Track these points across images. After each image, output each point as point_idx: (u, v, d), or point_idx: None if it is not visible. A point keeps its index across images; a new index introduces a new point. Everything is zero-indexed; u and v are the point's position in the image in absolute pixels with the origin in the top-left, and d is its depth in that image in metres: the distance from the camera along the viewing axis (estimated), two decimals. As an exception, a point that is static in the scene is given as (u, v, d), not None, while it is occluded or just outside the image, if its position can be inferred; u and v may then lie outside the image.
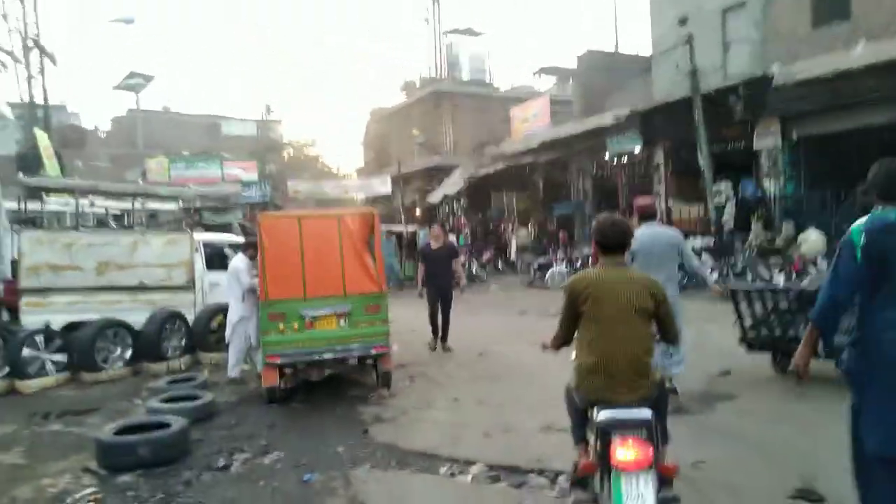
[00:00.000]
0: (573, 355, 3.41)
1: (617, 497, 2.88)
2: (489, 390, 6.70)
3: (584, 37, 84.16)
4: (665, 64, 18.71)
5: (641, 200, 6.10)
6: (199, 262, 9.19)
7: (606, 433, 2.98)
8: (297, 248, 6.29)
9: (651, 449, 2.91)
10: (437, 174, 29.29)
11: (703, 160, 15.67)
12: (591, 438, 3.21)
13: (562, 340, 3.46)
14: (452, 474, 4.50)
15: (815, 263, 12.76)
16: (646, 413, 3.01)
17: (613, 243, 3.33)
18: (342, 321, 6.38)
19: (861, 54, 13.36)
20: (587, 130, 20.94)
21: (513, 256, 21.45)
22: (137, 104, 22.81)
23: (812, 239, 13.33)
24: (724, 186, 15.77)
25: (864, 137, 14.22)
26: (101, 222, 10.81)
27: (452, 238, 19.20)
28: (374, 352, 6.47)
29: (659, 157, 19.96)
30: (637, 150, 20.03)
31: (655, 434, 2.98)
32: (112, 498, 4.27)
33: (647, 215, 5.83)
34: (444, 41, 35.68)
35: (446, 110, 33.42)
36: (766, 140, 16.02)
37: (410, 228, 20.72)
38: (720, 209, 15.96)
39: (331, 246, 6.40)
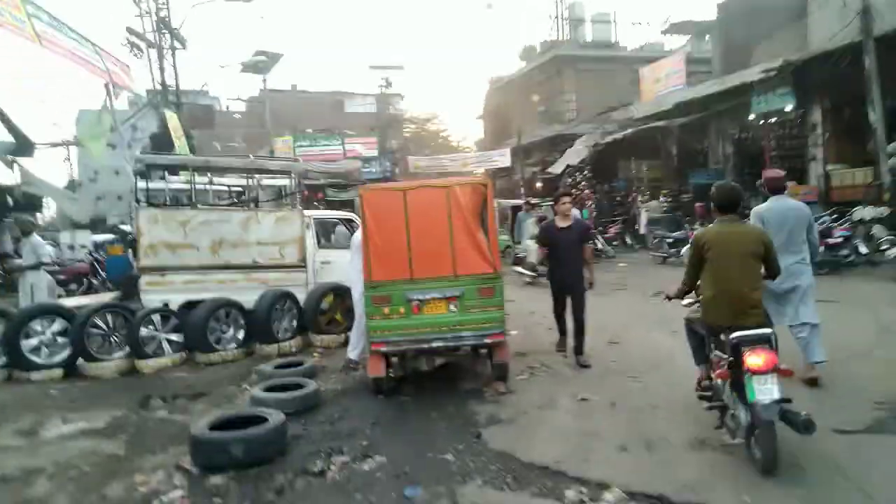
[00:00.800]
0: (688, 299, 4.68)
1: (752, 394, 3.77)
2: (623, 389, 5.76)
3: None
4: (825, 5, 16.17)
5: (770, 173, 6.00)
6: (311, 240, 8.88)
7: (739, 347, 3.91)
8: (402, 225, 5.64)
9: (774, 355, 3.84)
10: (559, 144, 27.86)
11: (876, 116, 13.31)
12: (718, 356, 4.26)
13: (687, 288, 4.58)
14: (583, 502, 3.68)
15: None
16: (767, 331, 3.99)
17: (728, 204, 4.38)
18: (452, 305, 5.68)
19: None
20: (730, 88, 18.74)
21: (642, 230, 19.83)
22: (265, 84, 23.47)
23: None
24: (901, 146, 13.33)
25: None
26: (219, 200, 10.87)
27: (576, 213, 18.03)
28: (487, 340, 5.72)
29: (816, 115, 17.45)
30: (789, 108, 17.63)
31: (775, 346, 3.95)
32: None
33: (777, 188, 5.72)
34: (565, 1, 33.76)
35: (569, 76, 31.74)
36: (958, 89, 13.35)
37: (533, 201, 19.67)
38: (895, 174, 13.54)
39: (439, 222, 5.69)
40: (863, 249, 12.22)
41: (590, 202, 21.10)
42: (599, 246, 18.98)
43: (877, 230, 12.73)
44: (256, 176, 9.46)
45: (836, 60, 14.71)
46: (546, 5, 59.18)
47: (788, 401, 3.79)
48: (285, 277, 8.33)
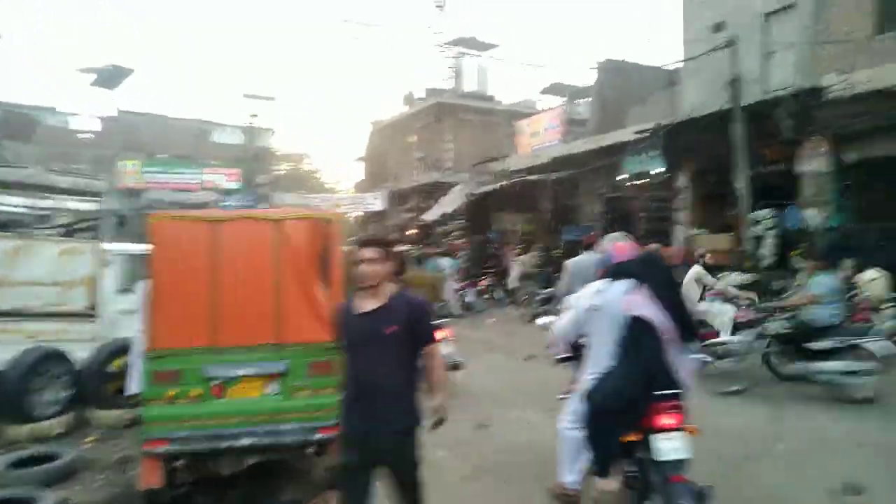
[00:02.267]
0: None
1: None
2: (496, 498, 4.39)
3: (595, 54, 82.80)
4: (695, 75, 16.67)
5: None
6: (109, 281, 6.86)
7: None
8: (205, 269, 4.04)
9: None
10: (435, 191, 27.16)
11: (742, 183, 13.49)
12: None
13: None
14: None
15: (877, 310, 10.52)
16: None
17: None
18: (272, 386, 4.11)
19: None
20: (603, 147, 18.83)
21: (512, 284, 19.16)
22: (113, 100, 20.70)
23: (872, 277, 11.10)
24: (765, 214, 13.55)
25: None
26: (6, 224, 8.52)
27: (444, 262, 16.86)
28: (320, 436, 4.16)
29: (683, 179, 17.82)
30: (658, 171, 17.91)
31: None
32: None
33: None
34: (449, 52, 33.74)
35: (449, 124, 31.41)
36: (813, 163, 13.88)
37: (401, 248, 18.44)
38: (758, 241, 13.72)
39: (261, 267, 4.15)
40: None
41: (462, 252, 20.22)
42: (469, 299, 18.01)
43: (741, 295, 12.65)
44: (53, 196, 7.35)
45: (703, 127, 15.00)
46: (428, 54, 59.91)
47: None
48: (64, 330, 6.28)
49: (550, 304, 14.91)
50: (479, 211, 22.84)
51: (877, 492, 4.44)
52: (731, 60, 13.47)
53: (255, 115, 27.25)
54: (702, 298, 10.42)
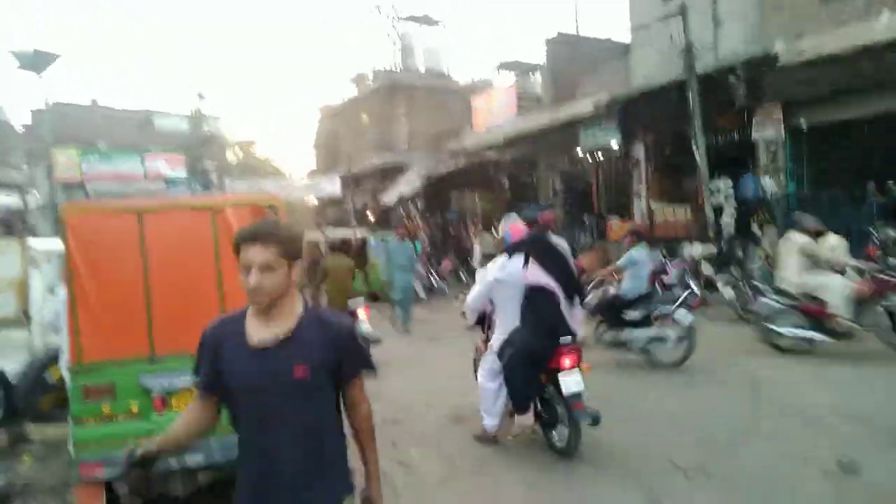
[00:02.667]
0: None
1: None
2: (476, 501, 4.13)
3: (544, 28, 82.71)
4: (646, 46, 16.56)
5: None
6: (40, 283, 6.30)
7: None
8: (136, 268, 3.61)
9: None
10: (391, 173, 26.65)
11: (699, 153, 13.47)
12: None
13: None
14: None
15: (843, 272, 10.63)
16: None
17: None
18: (220, 395, 3.70)
19: (887, 25, 11.37)
20: (559, 121, 18.64)
21: (476, 265, 18.93)
22: (40, 81, 19.40)
23: (833, 244, 11.20)
24: (723, 185, 13.58)
25: (886, 125, 12.31)
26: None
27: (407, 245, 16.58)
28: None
29: (639, 151, 17.81)
30: (614, 143, 17.84)
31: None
32: None
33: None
34: (398, 30, 33.00)
35: (401, 104, 30.79)
36: (767, 130, 13.95)
37: (360, 234, 17.98)
38: (718, 211, 13.75)
39: (200, 263, 3.73)
40: (695, 289, 12.01)
41: (422, 234, 19.87)
42: (434, 282, 17.72)
43: (705, 268, 12.66)
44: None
45: (658, 97, 14.92)
46: (376, 34, 58.73)
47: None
48: (-9, 340, 5.72)
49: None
50: (438, 191, 22.52)
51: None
52: (683, 28, 13.34)
53: (202, 96, 26.01)
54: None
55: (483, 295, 5.02)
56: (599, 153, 18.72)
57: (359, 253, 17.16)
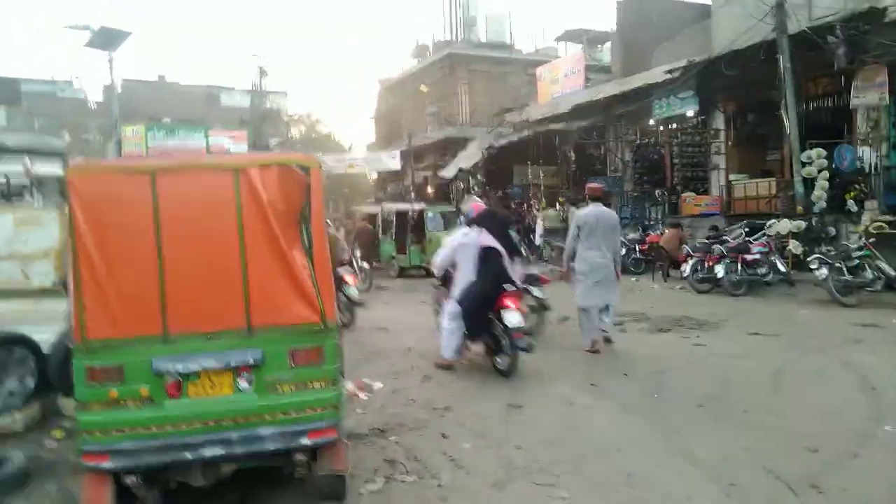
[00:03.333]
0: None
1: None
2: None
3: None
4: (728, 6, 15.12)
5: (592, 184, 7.97)
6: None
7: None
8: (147, 237, 3.12)
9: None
10: (451, 147, 25.96)
11: (790, 121, 12.18)
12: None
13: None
14: None
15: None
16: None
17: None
18: (243, 381, 3.22)
19: None
20: (630, 91, 17.47)
21: (538, 241, 18.13)
22: (110, 63, 19.56)
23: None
24: (816, 155, 12.25)
25: None
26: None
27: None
28: (307, 441, 3.28)
29: (718, 121, 16.50)
30: (691, 113, 16.58)
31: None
32: None
33: (595, 197, 7.32)
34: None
35: (462, 76, 29.95)
36: (869, 95, 12.48)
37: (417, 207, 17.45)
38: (809, 184, 12.44)
39: (220, 231, 3.22)
40: (781, 268, 10.94)
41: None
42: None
43: (792, 245, 11.52)
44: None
45: (743, 62, 13.60)
46: (438, 4, 57.52)
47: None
48: (26, 311, 5.46)
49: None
50: (499, 165, 21.68)
51: None
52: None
53: (265, 72, 25.92)
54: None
55: (449, 255, 6.56)
56: (674, 123, 17.49)
57: (416, 226, 16.66)
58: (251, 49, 79.88)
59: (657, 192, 18.10)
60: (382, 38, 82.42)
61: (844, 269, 9.15)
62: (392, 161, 28.02)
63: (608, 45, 31.80)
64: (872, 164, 12.61)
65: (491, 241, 6.26)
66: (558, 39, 34.00)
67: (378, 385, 5.98)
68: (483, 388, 5.92)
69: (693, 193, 16.74)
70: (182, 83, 43.10)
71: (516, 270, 6.45)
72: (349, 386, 5.51)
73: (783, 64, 11.94)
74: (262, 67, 26.14)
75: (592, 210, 7.06)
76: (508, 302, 6.00)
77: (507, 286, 6.13)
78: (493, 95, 27.77)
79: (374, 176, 34.04)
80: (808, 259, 9.64)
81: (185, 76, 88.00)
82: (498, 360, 6.21)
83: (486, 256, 6.22)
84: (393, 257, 17.52)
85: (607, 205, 8.12)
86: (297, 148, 36.92)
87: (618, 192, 19.10)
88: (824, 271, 9.10)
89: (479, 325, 6.19)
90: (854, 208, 12.30)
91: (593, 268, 6.89)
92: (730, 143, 16.32)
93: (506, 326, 5.90)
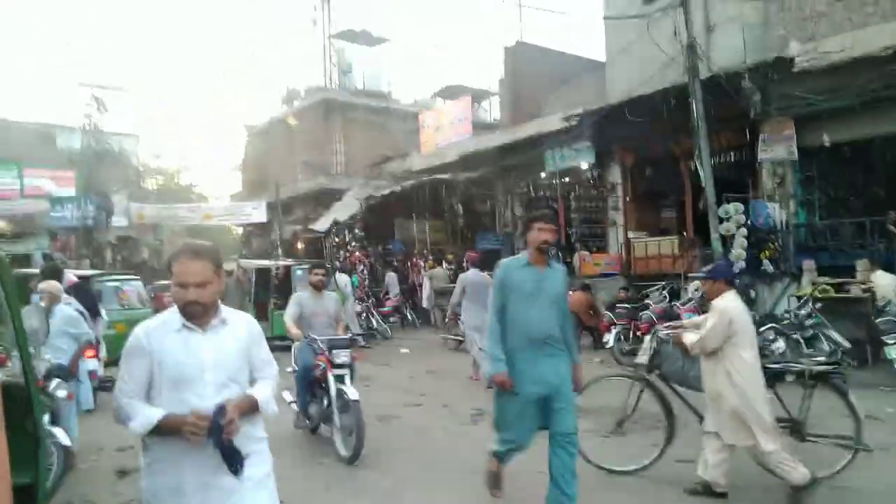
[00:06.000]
0: None
1: None
2: None
3: (496, 51, 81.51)
4: (626, 55, 14.27)
5: (470, 254, 10.38)
6: None
7: None
8: None
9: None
10: (325, 199, 23.49)
11: (704, 171, 11.08)
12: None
13: None
14: None
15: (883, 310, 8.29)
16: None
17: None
18: None
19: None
20: (523, 138, 16.18)
21: (426, 304, 15.96)
22: None
23: (883, 283, 8.92)
24: (734, 209, 11.24)
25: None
26: None
27: (343, 279, 13.55)
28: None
29: (615, 174, 15.49)
30: (585, 165, 15.46)
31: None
32: None
33: (474, 263, 9.32)
34: (334, 45, 30.20)
35: (337, 124, 27.80)
36: (777, 149, 11.82)
37: (283, 263, 14.71)
38: (725, 241, 11.33)
39: None
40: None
41: (361, 266, 16.76)
42: (374, 324, 14.61)
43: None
44: None
45: (649, 109, 12.60)
46: (310, 50, 55.48)
47: None
48: None
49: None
50: (379, 218, 19.47)
51: None
52: (685, 21, 11.07)
53: (101, 103, 22.11)
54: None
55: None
56: (567, 177, 16.32)
57: (280, 287, 13.82)
58: (85, 79, 72.73)
59: (551, 250, 16.67)
60: (251, 82, 78.24)
61: (802, 341, 7.70)
62: (256, 212, 25.11)
63: (490, 102, 31.34)
64: (782, 222, 11.82)
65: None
66: (437, 95, 33.01)
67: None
68: None
69: (587, 252, 15.47)
70: (8, 118, 37.22)
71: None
72: None
73: (696, 110, 10.89)
74: (97, 97, 22.27)
75: (473, 273, 8.95)
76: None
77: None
78: (371, 144, 25.85)
79: (238, 230, 30.62)
80: (761, 330, 8.15)
81: (12, 111, 78.22)
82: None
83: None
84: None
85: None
86: (149, 199, 32.63)
87: (507, 250, 17.51)
88: (781, 344, 7.60)
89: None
90: (770, 268, 11.38)
91: (481, 318, 7.43)
92: (627, 198, 15.31)
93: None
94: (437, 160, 18.83)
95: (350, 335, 6.31)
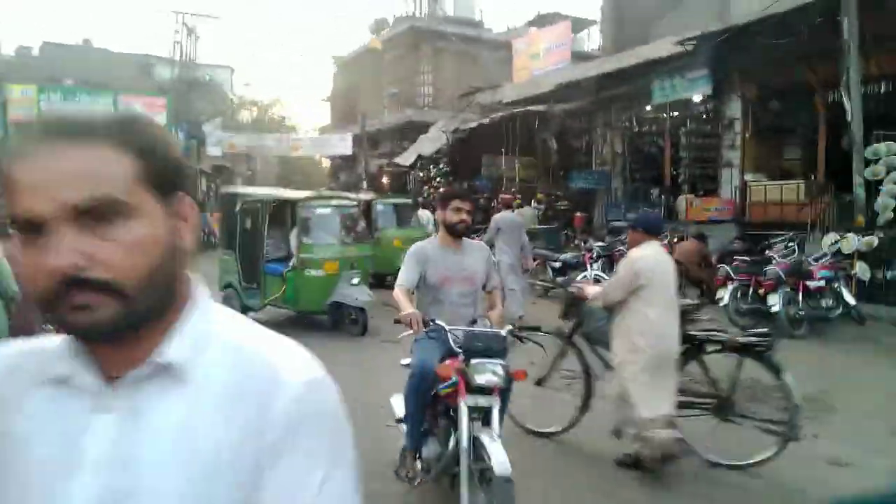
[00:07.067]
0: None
1: None
2: None
3: None
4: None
5: (504, 196, 11.27)
6: None
7: None
8: None
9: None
10: (412, 132, 22.71)
11: (852, 104, 9.31)
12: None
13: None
14: None
15: None
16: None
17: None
18: None
19: None
20: (626, 68, 14.51)
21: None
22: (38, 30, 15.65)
23: None
24: (886, 150, 9.44)
25: None
26: None
27: (426, 216, 12.84)
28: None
29: (734, 108, 13.63)
30: (698, 97, 13.71)
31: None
32: None
33: (507, 205, 9.83)
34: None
35: (426, 54, 26.66)
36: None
37: (365, 197, 14.09)
38: (869, 188, 9.60)
39: None
40: (850, 299, 8.05)
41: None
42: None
43: (859, 269, 8.66)
44: None
45: (772, 33, 10.72)
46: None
47: None
48: None
49: (568, 275, 10.79)
50: (467, 153, 18.46)
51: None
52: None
53: (192, 30, 21.92)
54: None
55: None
56: (676, 111, 14.63)
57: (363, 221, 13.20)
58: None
59: (653, 191, 15.22)
60: (340, 14, 77.03)
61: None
62: (343, 145, 24.65)
63: (588, 32, 28.96)
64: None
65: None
66: (531, 24, 30.89)
67: None
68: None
69: (692, 195, 13.92)
70: (110, 50, 38.37)
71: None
72: None
73: (849, 25, 9.05)
74: (186, 23, 22.08)
75: (507, 214, 8.91)
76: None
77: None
78: (460, 76, 24.57)
79: (327, 162, 30.48)
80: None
81: (116, 43, 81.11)
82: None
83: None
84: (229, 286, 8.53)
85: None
86: (244, 131, 33.02)
87: (605, 189, 16.16)
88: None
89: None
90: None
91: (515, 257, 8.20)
92: (746, 135, 13.49)
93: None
94: (531, 90, 17.43)
95: (508, 328, 3.33)
